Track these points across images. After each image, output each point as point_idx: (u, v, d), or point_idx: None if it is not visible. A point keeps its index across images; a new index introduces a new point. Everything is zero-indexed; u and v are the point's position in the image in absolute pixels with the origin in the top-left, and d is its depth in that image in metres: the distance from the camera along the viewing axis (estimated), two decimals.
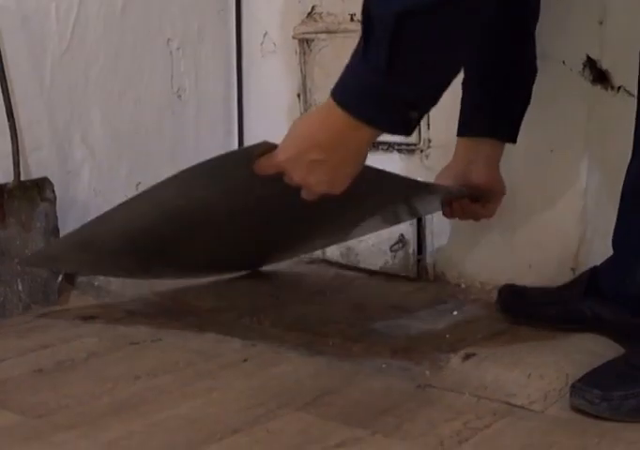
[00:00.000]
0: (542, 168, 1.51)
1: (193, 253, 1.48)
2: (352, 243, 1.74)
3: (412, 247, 1.67)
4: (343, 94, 1.03)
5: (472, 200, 1.41)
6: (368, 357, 1.28)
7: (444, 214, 1.45)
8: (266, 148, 1.10)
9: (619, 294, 1.28)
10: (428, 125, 1.64)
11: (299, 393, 1.14)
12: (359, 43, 1.02)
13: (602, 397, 1.06)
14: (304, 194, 1.11)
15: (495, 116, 1.40)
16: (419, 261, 1.68)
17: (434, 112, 1.57)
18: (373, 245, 1.72)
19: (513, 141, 1.41)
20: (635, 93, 1.24)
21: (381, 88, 1.00)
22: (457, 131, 1.43)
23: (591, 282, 1.33)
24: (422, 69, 1.01)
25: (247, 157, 1.12)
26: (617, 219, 1.29)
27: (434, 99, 1.06)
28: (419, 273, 1.68)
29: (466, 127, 1.41)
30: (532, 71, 1.40)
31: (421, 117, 1.05)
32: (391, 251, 1.69)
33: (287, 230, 1.47)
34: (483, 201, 1.42)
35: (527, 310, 1.39)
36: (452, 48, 1.03)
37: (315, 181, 1.08)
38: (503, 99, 1.40)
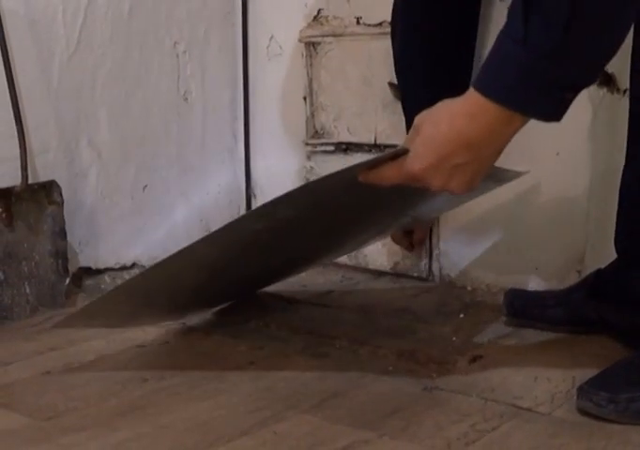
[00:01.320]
0: (548, 171, 1.51)
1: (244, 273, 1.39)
2: None
3: (424, 246, 1.68)
4: (495, 85, 0.92)
5: None
6: (375, 360, 1.28)
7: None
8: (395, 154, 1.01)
9: (624, 297, 1.28)
10: None
11: (306, 395, 1.15)
12: (510, 28, 0.91)
13: (609, 399, 1.06)
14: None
15: None
16: (429, 261, 1.69)
17: None
18: (383, 246, 1.72)
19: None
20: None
21: (544, 72, 0.90)
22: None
23: (596, 285, 1.33)
24: (597, 41, 0.91)
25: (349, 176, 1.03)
26: (617, 223, 1.29)
27: (597, 75, 0.97)
28: (430, 273, 1.69)
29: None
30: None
31: (574, 98, 0.94)
32: (401, 250, 1.69)
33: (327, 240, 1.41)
34: None
35: (534, 313, 1.39)
36: (627, 6, 0.91)
37: (457, 184, 0.98)
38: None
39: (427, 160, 0.97)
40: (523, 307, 1.41)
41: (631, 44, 1.25)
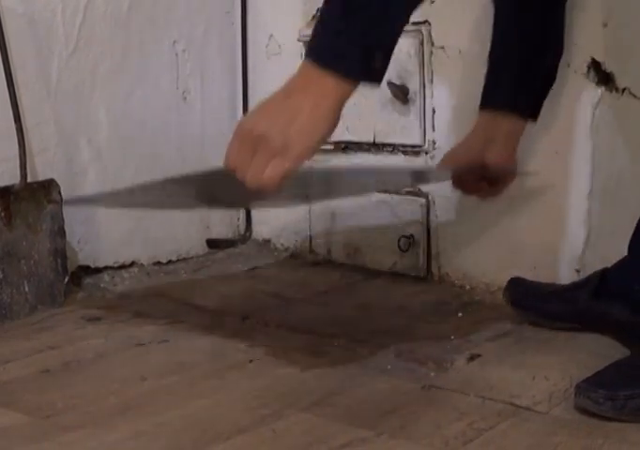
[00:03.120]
0: (547, 170, 1.51)
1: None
2: (359, 243, 1.74)
3: (422, 246, 1.68)
4: (309, 44, 1.02)
5: (480, 178, 1.36)
6: (373, 358, 1.28)
7: (453, 183, 1.38)
8: None
9: (631, 296, 1.28)
10: (433, 126, 1.64)
11: (305, 393, 1.15)
12: None
13: (607, 396, 1.06)
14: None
15: (517, 90, 1.36)
16: (428, 260, 1.69)
17: (438, 113, 1.59)
18: (382, 245, 1.72)
19: (535, 118, 1.37)
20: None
21: (340, 31, 0.98)
22: (480, 103, 1.38)
23: (602, 283, 1.33)
24: (379, 7, 0.99)
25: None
26: (638, 224, 1.28)
27: (394, 38, 1.03)
28: (429, 272, 1.69)
29: (488, 98, 1.38)
30: (558, 49, 1.37)
31: (385, 65, 1.01)
32: (400, 249, 1.69)
33: None
34: (493, 180, 1.37)
35: (535, 305, 1.39)
36: None
37: (280, 128, 0.99)
38: (526, 74, 1.36)
39: (251, 112, 1.05)
40: (525, 298, 1.41)
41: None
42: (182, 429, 1.04)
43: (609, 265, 1.34)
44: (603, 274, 1.34)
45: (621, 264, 1.32)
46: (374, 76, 1.02)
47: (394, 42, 1.03)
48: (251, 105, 1.90)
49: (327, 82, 0.99)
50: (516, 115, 1.35)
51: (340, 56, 0.99)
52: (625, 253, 1.29)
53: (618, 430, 1.04)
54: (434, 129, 1.65)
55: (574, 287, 1.38)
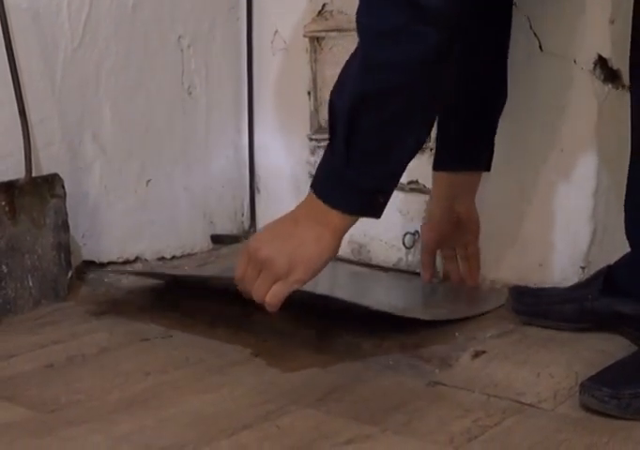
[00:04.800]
0: (553, 167, 1.51)
1: None
2: (364, 240, 1.74)
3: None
4: (315, 179, 1.12)
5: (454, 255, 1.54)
6: (378, 354, 1.28)
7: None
8: None
9: (639, 291, 1.27)
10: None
11: (309, 389, 1.15)
12: (329, 134, 1.11)
13: (612, 395, 1.06)
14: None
15: (469, 150, 1.47)
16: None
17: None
18: (386, 242, 1.72)
19: (489, 169, 1.49)
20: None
21: (344, 178, 1.08)
22: (436, 166, 1.49)
23: (607, 280, 1.32)
24: (380, 156, 1.09)
25: None
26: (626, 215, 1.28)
27: (396, 181, 1.13)
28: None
29: (443, 162, 1.49)
30: (503, 100, 1.46)
31: (386, 202, 1.11)
32: (404, 245, 1.68)
33: None
34: (465, 232, 1.51)
35: (541, 310, 1.37)
36: (407, 130, 1.09)
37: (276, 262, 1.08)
38: (482, 131, 1.47)
39: (261, 234, 1.14)
40: (529, 305, 1.40)
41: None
42: (186, 425, 1.04)
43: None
44: (608, 271, 1.34)
45: (626, 260, 1.32)
46: (375, 213, 1.12)
47: (396, 184, 1.13)
48: (256, 101, 1.90)
49: (331, 217, 1.09)
50: (473, 171, 1.48)
51: (342, 198, 1.09)
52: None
53: (624, 428, 1.04)
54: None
55: (579, 287, 1.38)
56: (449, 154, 1.48)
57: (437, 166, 1.50)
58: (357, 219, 1.11)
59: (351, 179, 1.08)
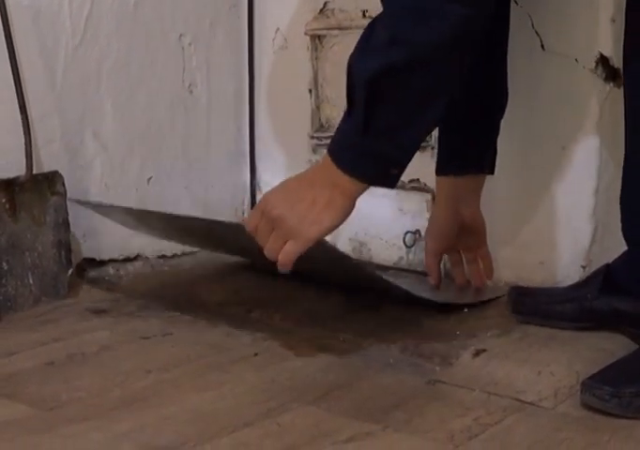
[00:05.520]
0: (554, 165, 1.51)
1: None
2: (364, 238, 1.74)
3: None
4: (332, 145, 1.12)
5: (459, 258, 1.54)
6: (378, 352, 1.28)
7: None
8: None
9: (638, 288, 1.27)
10: None
11: (310, 387, 1.15)
12: (347, 101, 1.11)
13: (613, 393, 1.05)
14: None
15: (472, 153, 1.46)
16: None
17: None
18: (387, 240, 1.72)
19: (492, 171, 1.47)
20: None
21: (360, 146, 1.09)
22: (439, 171, 1.48)
23: (606, 279, 1.32)
24: (398, 128, 1.09)
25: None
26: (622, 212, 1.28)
27: (411, 154, 1.13)
28: None
29: (446, 166, 1.48)
30: (504, 103, 1.45)
31: (402, 170, 1.12)
32: (405, 244, 1.68)
33: None
34: (471, 235, 1.50)
35: (541, 310, 1.37)
36: (428, 105, 1.10)
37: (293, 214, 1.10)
38: (483, 133, 1.46)
39: (276, 191, 1.15)
40: (528, 305, 1.40)
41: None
42: (187, 422, 1.04)
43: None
44: (607, 270, 1.34)
45: (624, 258, 1.32)
46: (389, 183, 1.13)
47: (410, 158, 1.13)
48: (257, 98, 1.90)
49: (345, 182, 1.10)
50: (476, 174, 1.46)
51: (357, 164, 1.10)
52: None
53: (625, 427, 1.03)
54: None
55: (578, 286, 1.38)
56: (452, 157, 1.47)
57: (440, 170, 1.48)
58: (369, 187, 1.12)
59: (367, 148, 1.09)
